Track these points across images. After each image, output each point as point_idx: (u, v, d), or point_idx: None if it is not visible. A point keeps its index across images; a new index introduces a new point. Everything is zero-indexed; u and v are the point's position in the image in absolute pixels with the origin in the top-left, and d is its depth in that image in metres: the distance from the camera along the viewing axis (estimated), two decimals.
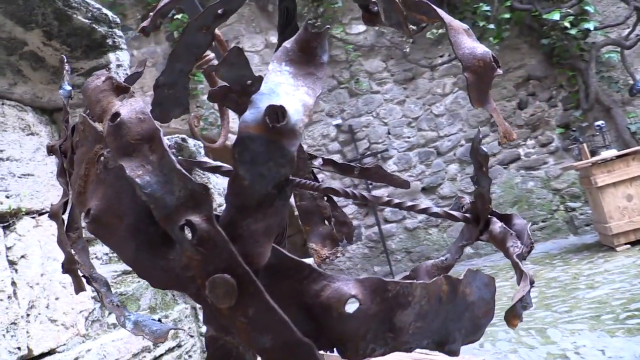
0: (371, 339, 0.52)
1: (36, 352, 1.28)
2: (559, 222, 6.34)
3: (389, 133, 6.71)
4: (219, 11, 1.03)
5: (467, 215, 1.05)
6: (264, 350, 0.51)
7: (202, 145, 2.18)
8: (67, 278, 1.46)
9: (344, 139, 6.81)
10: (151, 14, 0.98)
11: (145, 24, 0.87)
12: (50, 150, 0.95)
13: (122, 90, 0.60)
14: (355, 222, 6.85)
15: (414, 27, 0.93)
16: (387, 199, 1.06)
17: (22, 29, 1.31)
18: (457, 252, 1.10)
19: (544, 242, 6.19)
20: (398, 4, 0.78)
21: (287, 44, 0.54)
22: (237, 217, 0.50)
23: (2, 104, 1.35)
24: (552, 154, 6.47)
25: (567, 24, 5.85)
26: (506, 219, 1.00)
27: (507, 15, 6.15)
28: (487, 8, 6.10)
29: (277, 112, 0.48)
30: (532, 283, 0.75)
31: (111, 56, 1.60)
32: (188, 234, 0.50)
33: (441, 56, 6.61)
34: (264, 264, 0.51)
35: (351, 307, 0.51)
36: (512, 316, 0.70)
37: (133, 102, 0.55)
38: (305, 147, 5.54)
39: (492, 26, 6.10)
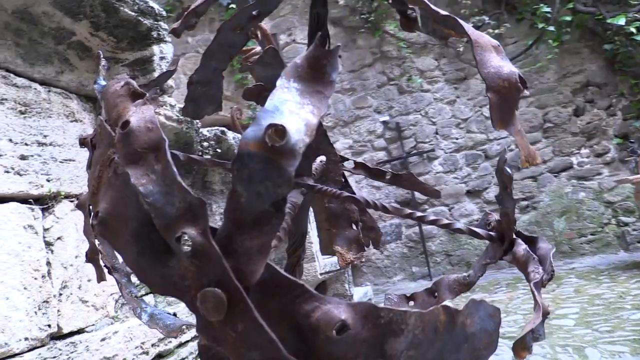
0: (365, 356, 0.52)
1: (65, 330, 1.33)
2: (609, 236, 6.06)
3: (436, 133, 6.59)
4: (254, 12, 1.03)
5: (492, 233, 1.02)
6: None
7: None
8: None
9: (390, 136, 6.75)
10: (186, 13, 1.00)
11: (176, 25, 0.88)
12: (82, 143, 0.98)
13: (138, 96, 0.61)
14: (396, 221, 6.80)
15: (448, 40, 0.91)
16: (410, 211, 1.04)
17: (70, 19, 1.36)
18: (480, 269, 1.07)
19: (591, 256, 5.95)
20: (435, 12, 0.76)
21: (298, 59, 0.54)
22: (233, 232, 0.50)
23: (49, 91, 1.41)
24: (607, 165, 6.18)
25: (633, 30, 5.55)
26: (531, 241, 0.97)
27: (569, 18, 5.89)
28: (548, 9, 5.87)
29: (278, 131, 0.48)
30: (546, 314, 0.73)
31: (155, 49, 1.64)
32: (187, 244, 0.51)
33: None
34: (257, 280, 0.51)
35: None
36: (521, 348, 0.67)
37: (145, 110, 0.56)
38: (350, 142, 5.58)
39: (551, 28, 5.87)
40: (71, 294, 1.37)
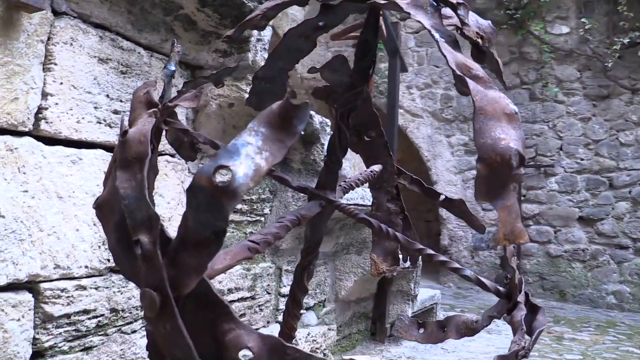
0: None
1: None
2: None
3: (560, 149, 6.13)
4: (320, 23, 1.07)
5: (501, 289, 1.00)
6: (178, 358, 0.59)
7: (329, 123, 2.27)
8: (166, 212, 1.68)
9: None
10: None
11: (230, 33, 0.95)
12: None
13: (152, 105, 0.69)
14: (494, 229, 6.52)
15: None
16: (420, 247, 1.05)
17: None
18: (486, 320, 1.06)
19: None
20: (452, 70, 0.75)
21: (275, 106, 0.58)
22: (179, 247, 0.57)
23: (151, 55, 1.58)
24: None
25: None
26: (533, 310, 0.94)
27: None
28: None
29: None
30: None
31: (254, 31, 1.74)
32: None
33: None
34: (194, 292, 0.58)
35: None
36: None
37: (146, 122, 0.65)
38: (466, 139, 5.41)
39: None
40: None
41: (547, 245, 6.14)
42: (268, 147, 0.56)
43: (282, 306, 2.33)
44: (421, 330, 1.22)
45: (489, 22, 0.94)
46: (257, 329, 2.15)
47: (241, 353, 0.56)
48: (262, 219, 2.14)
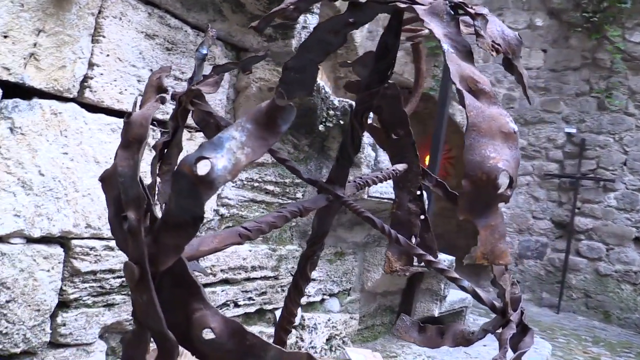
0: None
1: None
2: None
3: (624, 164, 5.83)
4: (350, 20, 1.08)
5: (496, 303, 1.00)
6: (149, 328, 0.63)
7: (371, 115, 2.27)
8: None
9: (570, 151, 6.15)
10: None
11: (254, 24, 0.98)
12: (173, 97, 1.16)
13: (161, 90, 0.74)
14: (543, 239, 6.31)
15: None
16: (421, 252, 1.05)
17: None
18: (481, 333, 1.06)
19: None
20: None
21: (264, 104, 0.61)
22: (161, 228, 0.62)
23: (197, 35, 1.63)
24: None
25: None
26: (524, 330, 0.93)
27: None
28: None
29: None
30: None
31: (300, 18, 1.76)
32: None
33: None
34: (172, 270, 0.62)
35: None
36: None
37: (151, 107, 0.69)
38: (524, 143, 5.28)
39: None
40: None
41: (597, 263, 5.89)
42: (250, 144, 0.59)
43: (305, 289, 2.38)
44: (421, 333, 1.23)
45: (516, 33, 0.93)
46: (276, 309, 2.20)
47: (205, 332, 0.60)
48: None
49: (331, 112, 2.11)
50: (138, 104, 0.77)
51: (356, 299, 2.81)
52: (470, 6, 0.95)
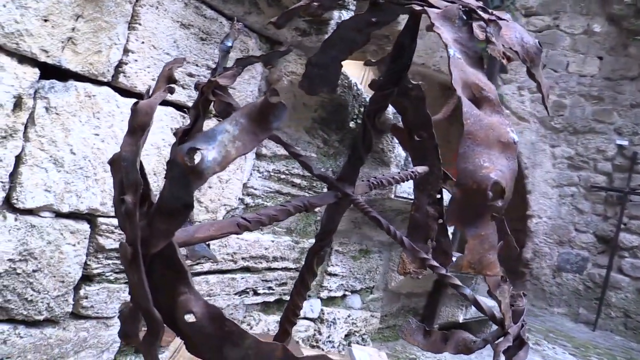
0: (206, 350, 0.63)
1: None
2: None
3: None
4: (372, 19, 1.08)
5: (497, 314, 0.99)
6: (138, 306, 0.67)
7: None
8: (224, 174, 1.79)
9: (620, 164, 5.90)
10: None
11: (274, 20, 0.99)
12: (196, 87, 1.19)
13: (171, 81, 0.76)
14: (585, 253, 6.10)
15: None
16: (425, 257, 1.05)
17: None
18: (482, 343, 1.06)
19: None
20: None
21: (258, 101, 0.62)
22: (156, 212, 0.64)
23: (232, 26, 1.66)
24: None
25: None
26: (520, 344, 0.92)
27: None
28: None
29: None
30: None
31: (335, 13, 1.77)
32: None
33: None
34: (163, 254, 0.65)
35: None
36: None
37: (157, 96, 0.72)
38: (572, 152, 5.11)
39: None
40: None
41: None
42: (242, 138, 0.61)
43: (325, 283, 2.40)
44: (425, 337, 1.23)
45: (536, 41, 0.91)
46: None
47: (188, 315, 0.62)
48: None
49: (362, 109, 2.11)
50: (150, 92, 0.80)
51: (379, 297, 2.81)
52: (490, 12, 0.94)
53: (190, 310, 0.61)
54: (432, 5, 0.85)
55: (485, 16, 0.79)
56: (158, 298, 0.65)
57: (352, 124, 2.12)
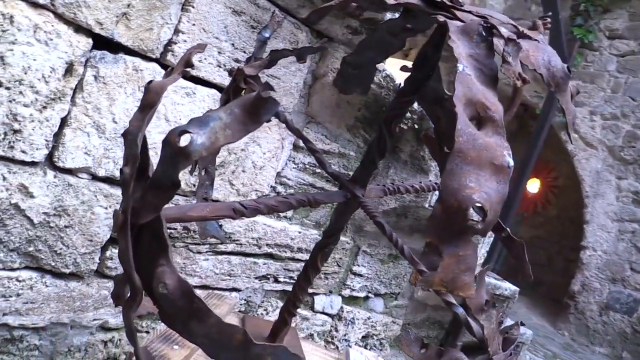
0: (178, 323, 0.67)
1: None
2: None
3: None
4: (407, 25, 1.08)
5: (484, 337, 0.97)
6: (123, 270, 0.71)
7: None
8: (259, 160, 1.84)
9: None
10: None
11: (305, 16, 1.01)
12: (230, 73, 1.23)
13: (188, 65, 0.80)
14: (637, 295, 5.76)
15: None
16: (422, 269, 1.04)
17: None
18: None
19: None
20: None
21: (253, 94, 0.65)
22: (149, 186, 0.68)
23: (285, 17, 1.70)
24: None
25: None
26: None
27: None
28: None
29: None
30: None
31: (388, 14, 1.76)
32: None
33: None
34: (150, 225, 0.69)
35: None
36: None
37: (171, 79, 0.75)
38: (605, 154, 4.90)
39: None
40: (223, 172, 1.74)
41: None
42: (233, 127, 0.63)
43: (349, 282, 2.41)
44: (422, 350, 1.22)
45: (565, 65, 0.88)
46: (315, 293, 2.25)
47: (162, 286, 0.66)
48: None
49: (407, 114, 2.09)
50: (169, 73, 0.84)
51: (403, 304, 2.78)
52: (521, 30, 0.92)
53: (164, 281, 0.65)
54: (457, 18, 0.84)
55: (506, 34, 0.78)
56: (142, 266, 0.69)
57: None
